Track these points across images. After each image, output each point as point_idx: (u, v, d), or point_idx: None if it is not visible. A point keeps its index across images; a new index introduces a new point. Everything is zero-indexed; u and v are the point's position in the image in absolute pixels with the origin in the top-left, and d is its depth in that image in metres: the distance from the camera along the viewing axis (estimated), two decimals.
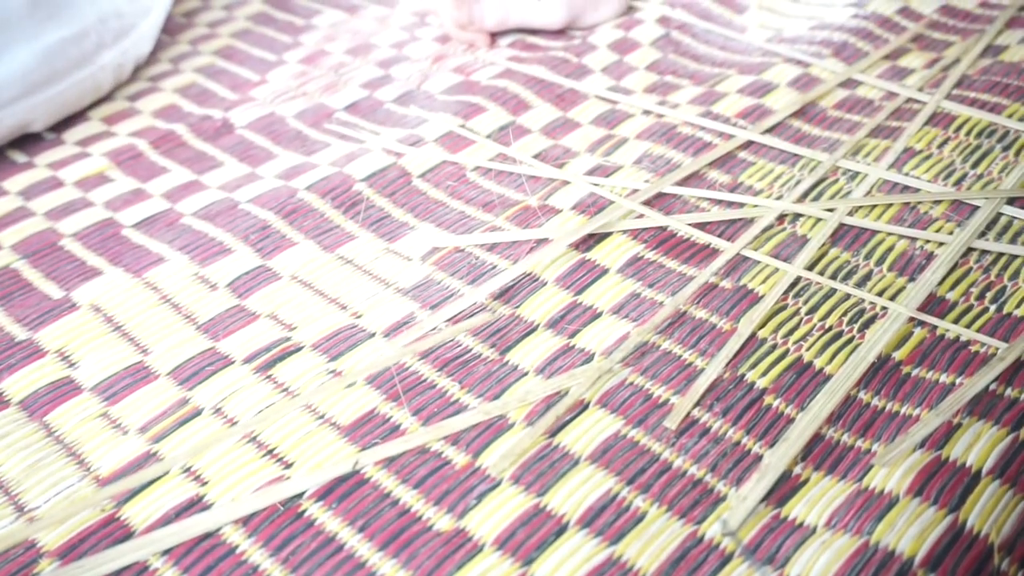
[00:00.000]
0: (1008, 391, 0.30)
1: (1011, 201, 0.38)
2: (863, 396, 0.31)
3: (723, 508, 0.28)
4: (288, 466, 0.30)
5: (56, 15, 0.50)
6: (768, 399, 0.31)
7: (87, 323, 0.37)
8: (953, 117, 0.43)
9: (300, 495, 0.29)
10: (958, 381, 0.31)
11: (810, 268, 0.36)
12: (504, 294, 0.36)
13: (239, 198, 0.43)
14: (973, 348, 0.32)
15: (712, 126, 0.45)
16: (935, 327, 0.33)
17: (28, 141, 0.50)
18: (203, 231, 0.41)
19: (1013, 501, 0.27)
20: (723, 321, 0.34)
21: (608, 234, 0.39)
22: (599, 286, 0.36)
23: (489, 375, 0.33)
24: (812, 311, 0.34)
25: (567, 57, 0.52)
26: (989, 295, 0.34)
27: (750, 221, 0.39)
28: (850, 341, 0.33)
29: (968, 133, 0.42)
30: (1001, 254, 0.36)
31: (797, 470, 0.29)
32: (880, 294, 0.34)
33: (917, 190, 0.39)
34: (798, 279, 0.35)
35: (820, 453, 0.29)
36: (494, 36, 0.56)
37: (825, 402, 0.30)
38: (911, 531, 0.26)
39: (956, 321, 0.33)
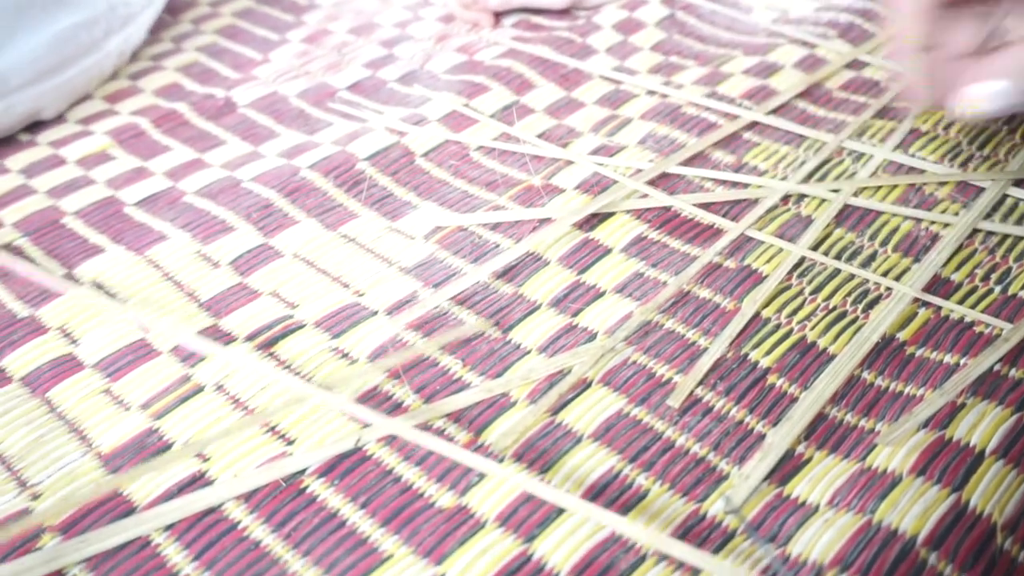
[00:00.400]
0: (1012, 371, 0.30)
1: (1017, 183, 0.37)
2: (867, 376, 0.31)
3: (726, 486, 0.28)
4: (290, 443, 0.30)
5: (67, 1, 0.49)
6: (771, 378, 0.31)
7: (89, 300, 0.36)
8: None
9: (302, 471, 0.29)
10: (962, 362, 0.31)
11: (814, 248, 0.36)
12: (507, 273, 0.36)
13: (241, 176, 0.43)
14: (978, 329, 0.32)
15: (717, 106, 0.44)
16: (939, 308, 0.33)
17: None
18: (205, 209, 0.41)
19: (1016, 481, 0.27)
20: (727, 301, 0.34)
21: (611, 214, 0.39)
22: (602, 265, 0.36)
23: (492, 353, 0.33)
24: (816, 291, 0.34)
25: (571, 37, 0.52)
26: (994, 276, 0.34)
27: (754, 201, 0.39)
28: (854, 321, 0.33)
29: None
30: (1007, 235, 0.35)
31: (800, 449, 0.29)
32: (885, 275, 0.34)
33: (923, 171, 0.39)
34: (802, 259, 0.35)
35: (823, 432, 0.29)
36: (498, 16, 0.56)
37: (829, 382, 0.30)
38: (914, 510, 0.26)
39: (961, 302, 0.33)
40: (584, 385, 0.31)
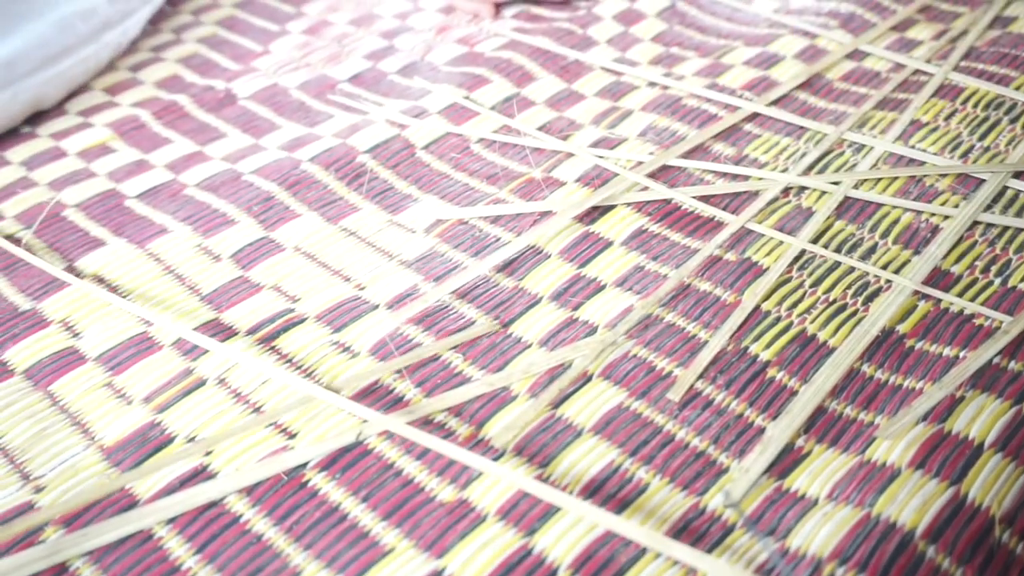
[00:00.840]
0: (1012, 364, 0.30)
1: (1018, 174, 0.37)
2: (866, 369, 0.31)
3: (725, 480, 0.28)
4: (292, 437, 0.30)
5: None
6: (771, 371, 0.31)
7: (90, 293, 0.37)
8: (961, 89, 0.43)
9: (304, 465, 0.29)
10: (962, 355, 0.31)
11: (815, 241, 0.36)
12: (507, 266, 0.36)
13: (242, 169, 0.43)
14: (977, 321, 0.32)
15: (718, 98, 0.44)
16: (939, 300, 0.33)
17: None
18: (206, 202, 0.41)
19: (1015, 474, 0.27)
20: (727, 293, 0.34)
21: (612, 207, 0.39)
22: (603, 259, 0.36)
23: (492, 347, 0.33)
24: (816, 283, 0.34)
25: (572, 28, 0.52)
26: (994, 268, 0.34)
27: (755, 194, 0.39)
28: (854, 314, 0.33)
29: (976, 105, 0.42)
30: (1007, 227, 0.35)
31: (800, 442, 0.29)
32: (885, 267, 0.34)
33: (923, 163, 0.39)
34: (803, 251, 0.35)
35: (823, 426, 0.29)
36: (498, 7, 0.55)
37: (828, 375, 0.30)
38: (913, 503, 0.26)
39: (961, 294, 0.33)
40: (584, 379, 0.31)
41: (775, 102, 0.44)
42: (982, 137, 0.40)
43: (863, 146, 0.40)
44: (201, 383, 0.33)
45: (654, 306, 0.34)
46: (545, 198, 0.40)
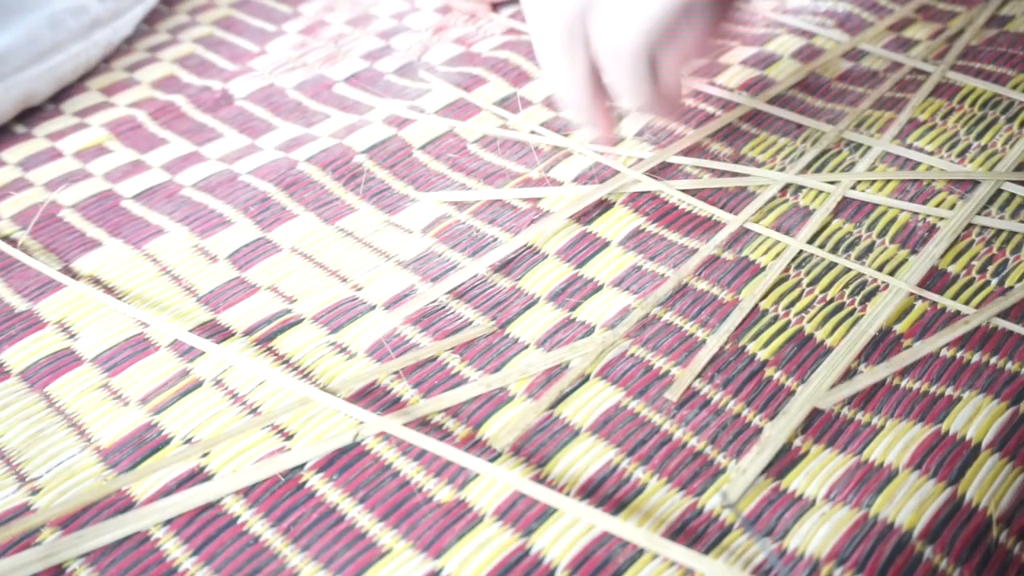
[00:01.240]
0: (1008, 365, 0.30)
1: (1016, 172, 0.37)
2: (864, 369, 0.31)
3: (723, 480, 0.28)
4: (289, 438, 0.30)
5: None
6: (769, 371, 0.31)
7: (87, 294, 0.36)
8: (958, 88, 0.43)
9: (301, 466, 0.29)
10: (959, 355, 0.31)
11: (812, 240, 0.36)
12: (505, 267, 0.36)
13: (239, 170, 0.43)
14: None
15: (716, 94, 0.44)
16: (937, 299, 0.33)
17: (27, 111, 0.50)
18: (203, 203, 0.41)
19: (1012, 474, 0.27)
20: (725, 293, 0.34)
21: (610, 207, 0.39)
22: (600, 259, 0.36)
23: (489, 348, 0.33)
24: (814, 283, 0.34)
25: None
26: (991, 268, 0.34)
27: (753, 193, 0.39)
28: (851, 314, 0.33)
29: (973, 104, 0.42)
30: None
31: (797, 443, 0.29)
32: (882, 266, 0.34)
33: (919, 163, 0.39)
34: (800, 251, 0.35)
35: (820, 426, 0.29)
36: (495, 6, 0.55)
37: (826, 375, 0.30)
38: (910, 504, 0.26)
39: (958, 294, 0.33)
40: (582, 379, 0.31)
41: (772, 101, 0.44)
42: (979, 136, 0.40)
43: (860, 145, 0.40)
44: (198, 384, 0.32)
45: (652, 306, 0.34)
46: (543, 198, 0.40)
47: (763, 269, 0.35)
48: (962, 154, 0.39)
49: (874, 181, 0.38)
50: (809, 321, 0.33)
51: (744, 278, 0.34)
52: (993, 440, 0.27)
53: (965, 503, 0.26)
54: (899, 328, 0.32)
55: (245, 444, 0.30)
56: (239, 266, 0.38)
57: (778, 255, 0.35)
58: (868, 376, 0.30)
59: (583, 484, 0.28)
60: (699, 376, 0.31)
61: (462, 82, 0.48)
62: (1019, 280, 0.33)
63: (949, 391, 0.29)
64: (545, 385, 0.31)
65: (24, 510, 0.29)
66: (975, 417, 0.28)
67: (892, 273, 0.34)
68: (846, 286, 0.34)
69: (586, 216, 0.38)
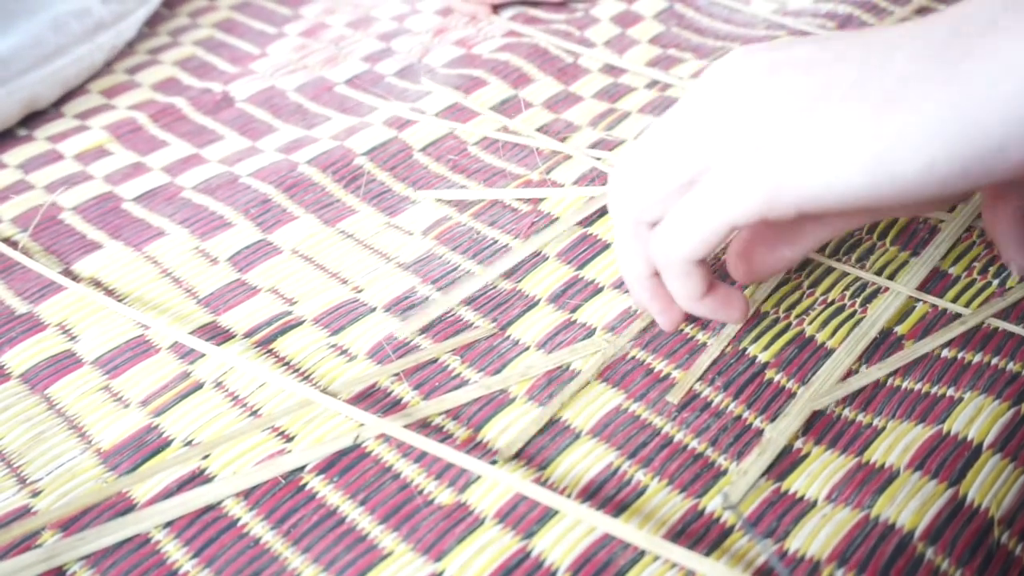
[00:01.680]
0: (1010, 365, 0.30)
1: None
2: (864, 371, 0.31)
3: (724, 482, 0.28)
4: (289, 440, 0.30)
5: None
6: (770, 373, 0.31)
7: (87, 296, 0.36)
8: None
9: (301, 468, 0.29)
10: (960, 356, 0.31)
11: None
12: (505, 269, 0.36)
13: (239, 172, 0.43)
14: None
15: None
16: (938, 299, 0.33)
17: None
18: (203, 205, 0.41)
19: (1013, 475, 0.27)
20: None
21: None
22: (601, 260, 0.36)
23: (490, 349, 0.33)
24: (815, 285, 0.34)
25: (569, 30, 0.52)
26: (992, 270, 0.34)
27: None
28: (852, 316, 0.33)
29: None
30: None
31: (798, 444, 0.29)
32: (883, 267, 0.34)
33: None
34: None
35: (821, 427, 0.29)
36: (496, 8, 0.55)
37: (827, 377, 0.30)
38: (911, 505, 0.26)
39: (959, 296, 0.33)
40: (586, 382, 0.31)
41: None
42: None
43: None
44: (198, 386, 0.32)
45: None
46: (543, 200, 0.40)
47: None
48: None
49: None
50: (810, 323, 0.33)
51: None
52: (994, 441, 0.27)
53: (966, 504, 0.26)
54: (900, 330, 0.32)
55: (246, 446, 0.30)
56: (240, 268, 0.38)
57: None
58: (868, 377, 0.30)
59: (584, 486, 0.28)
60: (700, 379, 0.31)
61: (462, 84, 0.48)
62: (1020, 281, 0.33)
63: (950, 392, 0.29)
64: (546, 387, 0.31)
65: (25, 512, 0.29)
66: (976, 418, 0.28)
67: (893, 275, 0.34)
68: (847, 288, 0.34)
69: (586, 218, 0.38)
